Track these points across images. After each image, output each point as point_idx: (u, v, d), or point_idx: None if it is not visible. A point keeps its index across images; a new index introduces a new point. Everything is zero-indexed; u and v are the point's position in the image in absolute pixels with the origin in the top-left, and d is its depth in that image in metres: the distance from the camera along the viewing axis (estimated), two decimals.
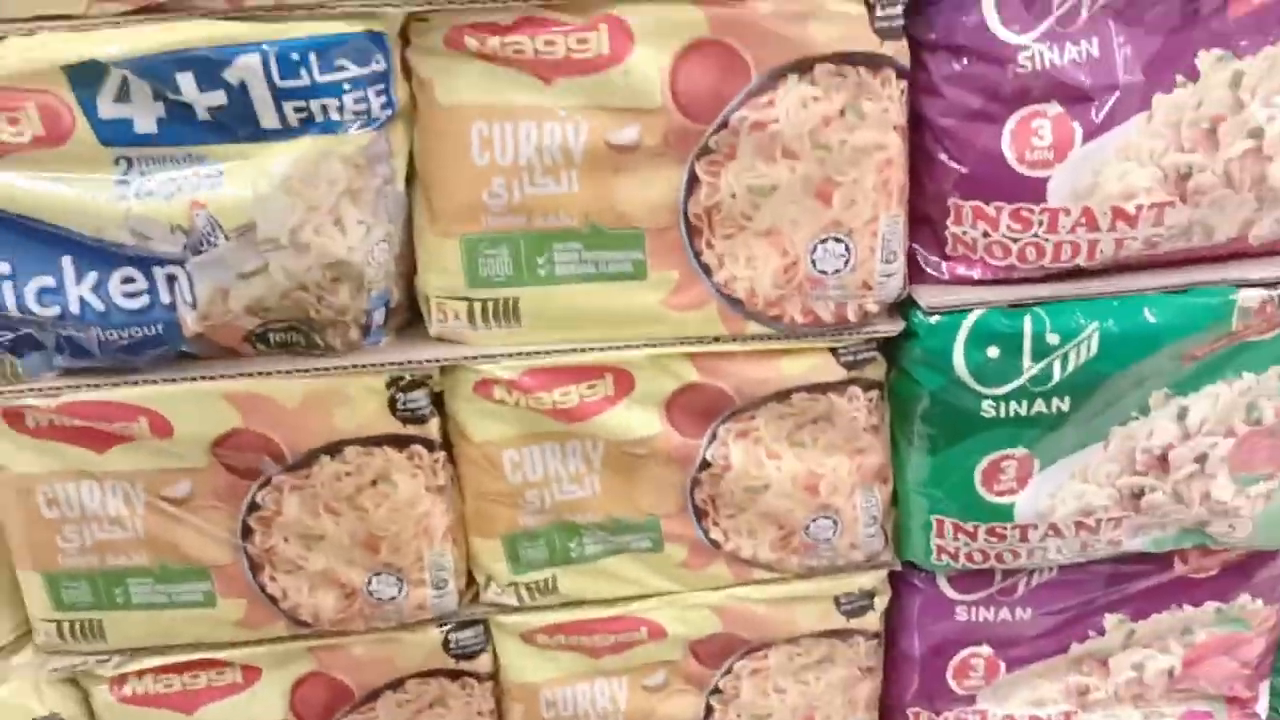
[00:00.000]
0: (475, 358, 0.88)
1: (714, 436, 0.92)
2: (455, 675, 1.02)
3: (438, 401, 0.90)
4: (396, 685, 1.01)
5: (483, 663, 1.03)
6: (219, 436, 0.87)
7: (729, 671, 1.04)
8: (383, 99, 0.78)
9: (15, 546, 0.93)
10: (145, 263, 0.79)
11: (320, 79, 0.75)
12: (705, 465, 0.93)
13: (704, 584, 1.00)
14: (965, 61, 0.81)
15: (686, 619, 1.01)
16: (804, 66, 0.78)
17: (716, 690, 1.05)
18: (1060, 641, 1.04)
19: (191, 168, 0.77)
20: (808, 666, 1.06)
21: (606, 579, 0.99)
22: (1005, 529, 0.96)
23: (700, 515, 0.97)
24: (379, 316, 0.87)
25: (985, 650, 1.05)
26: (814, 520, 0.97)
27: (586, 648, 1.02)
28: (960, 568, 1.00)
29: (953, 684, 1.06)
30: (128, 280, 0.80)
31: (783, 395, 0.91)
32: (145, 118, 0.75)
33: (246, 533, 0.92)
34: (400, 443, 0.90)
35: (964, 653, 1.05)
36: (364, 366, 0.86)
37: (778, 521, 0.97)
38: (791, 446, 0.94)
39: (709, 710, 1.06)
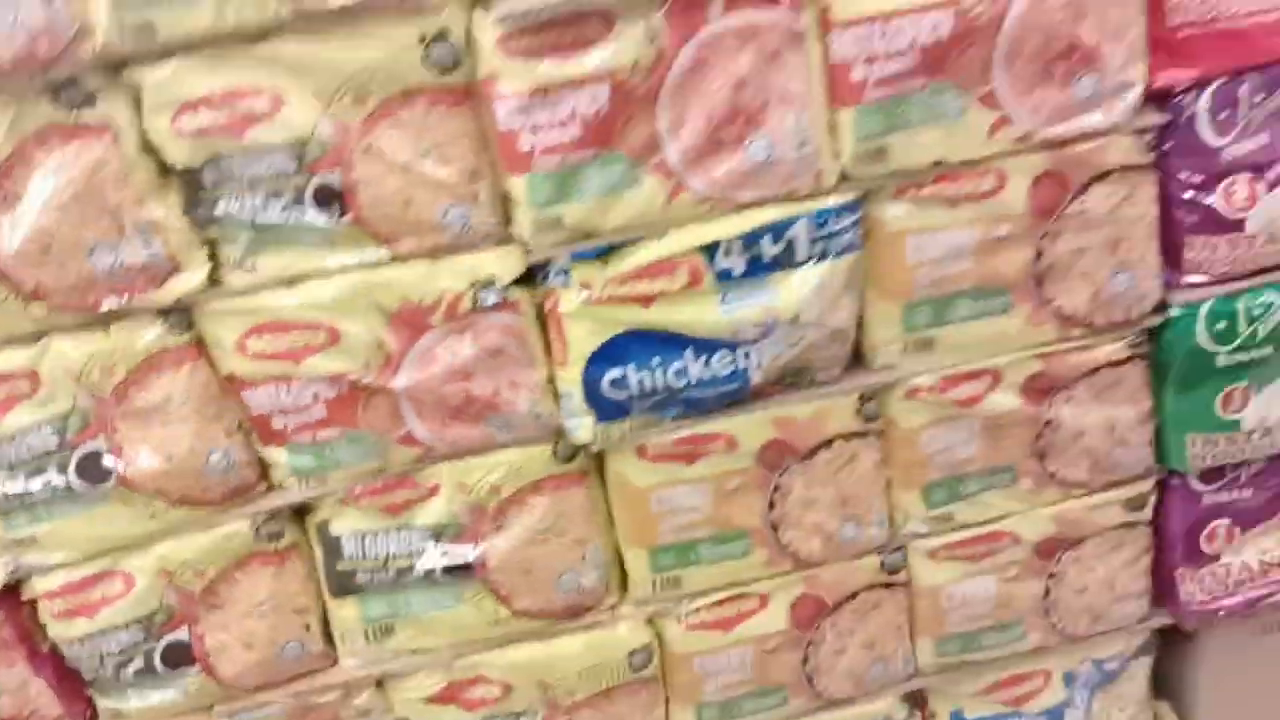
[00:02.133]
0: (908, 376, 1.49)
1: (1050, 405, 1.53)
2: (887, 586, 1.62)
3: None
4: (851, 597, 1.61)
5: (903, 576, 1.63)
6: (763, 445, 1.48)
7: (1059, 561, 1.65)
8: (858, 234, 1.40)
9: (626, 533, 1.54)
10: (734, 346, 1.41)
11: (835, 227, 1.37)
12: (1046, 423, 1.54)
13: (1042, 502, 1.61)
14: (1191, 159, 1.42)
15: (1034, 527, 1.61)
16: (1103, 176, 1.40)
17: (1051, 575, 1.65)
18: (1275, 507, 1.64)
19: (762, 289, 1.38)
20: (1105, 551, 1.66)
21: (983, 507, 1.59)
22: (1236, 436, 1.56)
23: (1040, 457, 1.57)
24: (847, 360, 1.49)
25: (1225, 521, 1.65)
26: (1112, 450, 1.57)
27: (970, 556, 1.62)
28: (1206, 467, 1.60)
29: (1204, 548, 1.66)
30: (723, 358, 1.41)
31: (1092, 372, 1.52)
32: (739, 264, 1.37)
33: (770, 505, 1.53)
34: (863, 435, 1.51)
35: (1210, 525, 1.65)
36: (845, 390, 1.48)
37: (1090, 455, 1.57)
38: (1096, 405, 1.55)
39: (1046, 592, 1.66)
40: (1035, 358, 1.47)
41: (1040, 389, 1.49)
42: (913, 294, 1.42)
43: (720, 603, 1.57)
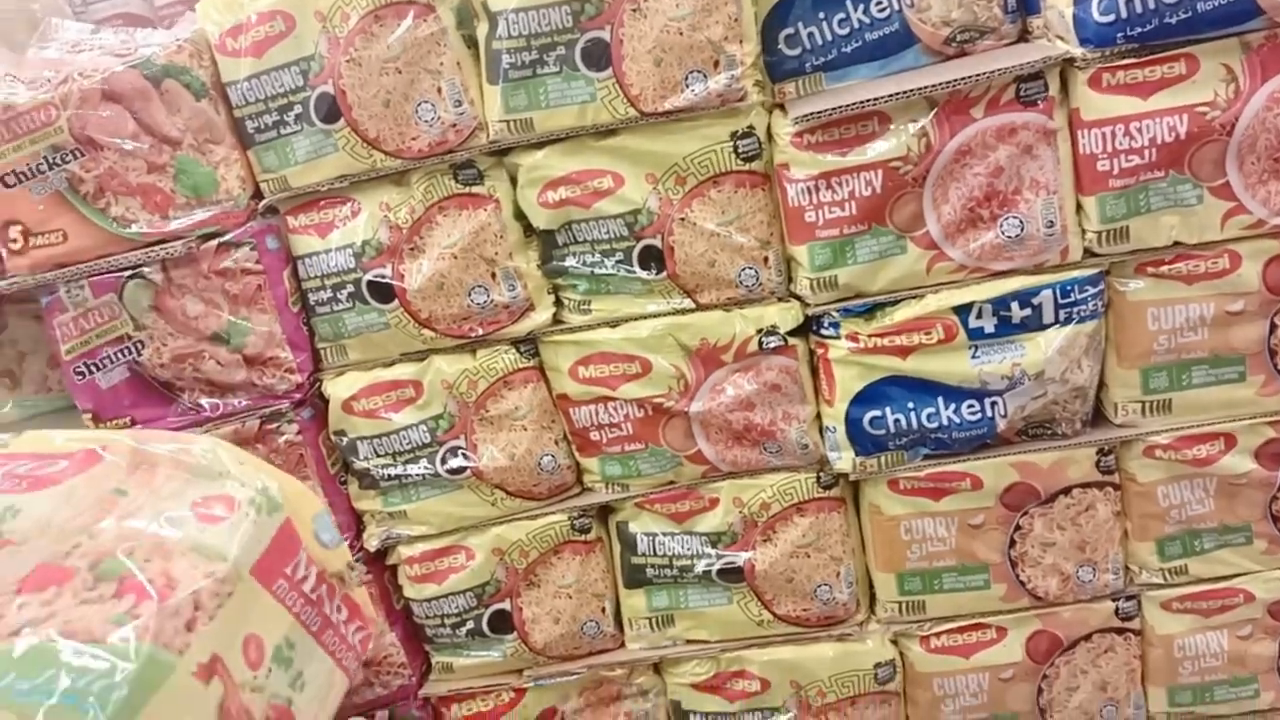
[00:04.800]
0: (1145, 434, 1.71)
1: None
2: (1120, 631, 1.82)
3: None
4: (1086, 638, 1.82)
5: (1136, 624, 1.82)
6: (1005, 487, 1.74)
7: None
8: (1102, 302, 1.65)
9: (877, 558, 1.82)
10: (981, 396, 1.68)
11: (1079, 296, 1.63)
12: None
13: (1277, 565, 1.76)
14: None
15: (1268, 587, 1.76)
16: None
17: None
18: None
19: (1010, 346, 1.66)
20: None
21: (1217, 564, 1.77)
22: None
23: (1275, 520, 1.74)
24: (1089, 416, 1.73)
25: None
26: None
27: (1203, 610, 1.79)
28: None
29: None
30: (971, 407, 1.69)
31: None
32: (989, 324, 1.65)
33: (1011, 544, 1.77)
34: (1100, 485, 1.73)
35: None
36: (1085, 443, 1.71)
37: None
38: None
39: None
40: (1268, 424, 1.66)
41: (1274, 454, 1.67)
42: (1151, 359, 1.65)
43: (960, 630, 1.81)
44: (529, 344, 1.77)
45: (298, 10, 1.62)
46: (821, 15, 1.62)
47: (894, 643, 1.84)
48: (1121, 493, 1.73)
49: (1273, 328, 1.61)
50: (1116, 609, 1.78)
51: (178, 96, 1.68)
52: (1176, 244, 1.58)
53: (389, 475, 1.82)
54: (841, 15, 1.62)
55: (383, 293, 1.73)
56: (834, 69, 1.64)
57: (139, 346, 1.75)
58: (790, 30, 1.62)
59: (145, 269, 1.71)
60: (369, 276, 1.73)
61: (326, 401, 1.81)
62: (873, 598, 1.85)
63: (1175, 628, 1.78)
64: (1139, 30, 1.46)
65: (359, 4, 1.60)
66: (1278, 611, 1.75)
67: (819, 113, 1.55)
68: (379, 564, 1.90)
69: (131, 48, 1.74)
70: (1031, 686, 1.81)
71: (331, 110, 1.65)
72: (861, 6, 1.61)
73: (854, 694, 1.83)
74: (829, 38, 1.62)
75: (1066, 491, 1.71)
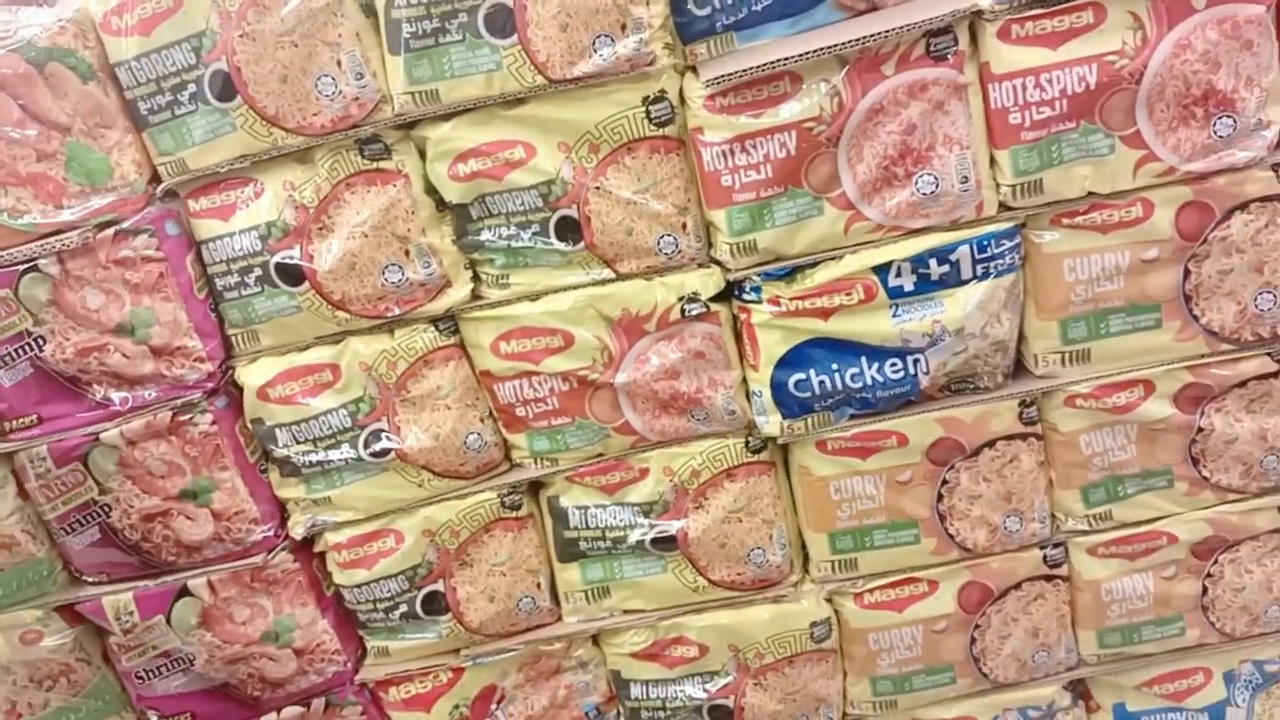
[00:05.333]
0: (1065, 384, 1.74)
1: (1202, 414, 1.74)
2: (1049, 579, 1.86)
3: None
4: (1016, 587, 1.86)
5: (1064, 570, 1.86)
6: (931, 443, 1.76)
7: (1216, 563, 1.83)
8: (1019, 255, 1.67)
9: (809, 519, 1.84)
10: (904, 354, 1.69)
11: (995, 250, 1.64)
12: (1199, 431, 1.75)
13: (1198, 505, 1.81)
14: None
15: (1190, 529, 1.81)
16: (1244, 205, 1.62)
17: (1209, 575, 1.84)
18: None
19: (930, 304, 1.67)
20: (1262, 554, 1.83)
21: (1141, 508, 1.81)
22: None
23: (1195, 462, 1.78)
24: (1010, 369, 1.75)
25: None
26: (1264, 458, 1.76)
27: (1128, 554, 1.84)
28: None
29: None
30: (894, 365, 1.70)
31: (1242, 384, 1.72)
32: (908, 282, 1.66)
33: (939, 498, 1.80)
34: (1024, 437, 1.76)
35: None
36: (1006, 395, 1.74)
37: (1243, 462, 1.77)
38: (1247, 414, 1.75)
39: (1204, 590, 1.85)
40: (1186, 369, 1.69)
41: (1192, 398, 1.71)
42: (1069, 309, 1.67)
43: (893, 585, 1.84)
44: (448, 321, 1.75)
45: None
46: None
47: (828, 601, 1.86)
48: (1044, 443, 1.76)
49: (1186, 274, 1.63)
50: (1044, 557, 1.82)
51: (64, 80, 1.62)
52: (1090, 194, 1.60)
53: (311, 462, 1.79)
54: None
55: (292, 275, 1.70)
56: (745, 28, 1.62)
57: (40, 342, 1.70)
58: None
59: (40, 262, 1.64)
60: (277, 259, 1.69)
61: (241, 389, 1.77)
62: (805, 558, 1.86)
63: (1102, 572, 1.82)
64: None
65: None
66: (1200, 551, 1.80)
67: (729, 75, 1.53)
68: (306, 551, 1.88)
69: (11, 29, 1.66)
70: (965, 636, 1.85)
71: (227, 88, 1.60)
72: None
73: (791, 654, 1.86)
74: None
75: (991, 444, 1.73)
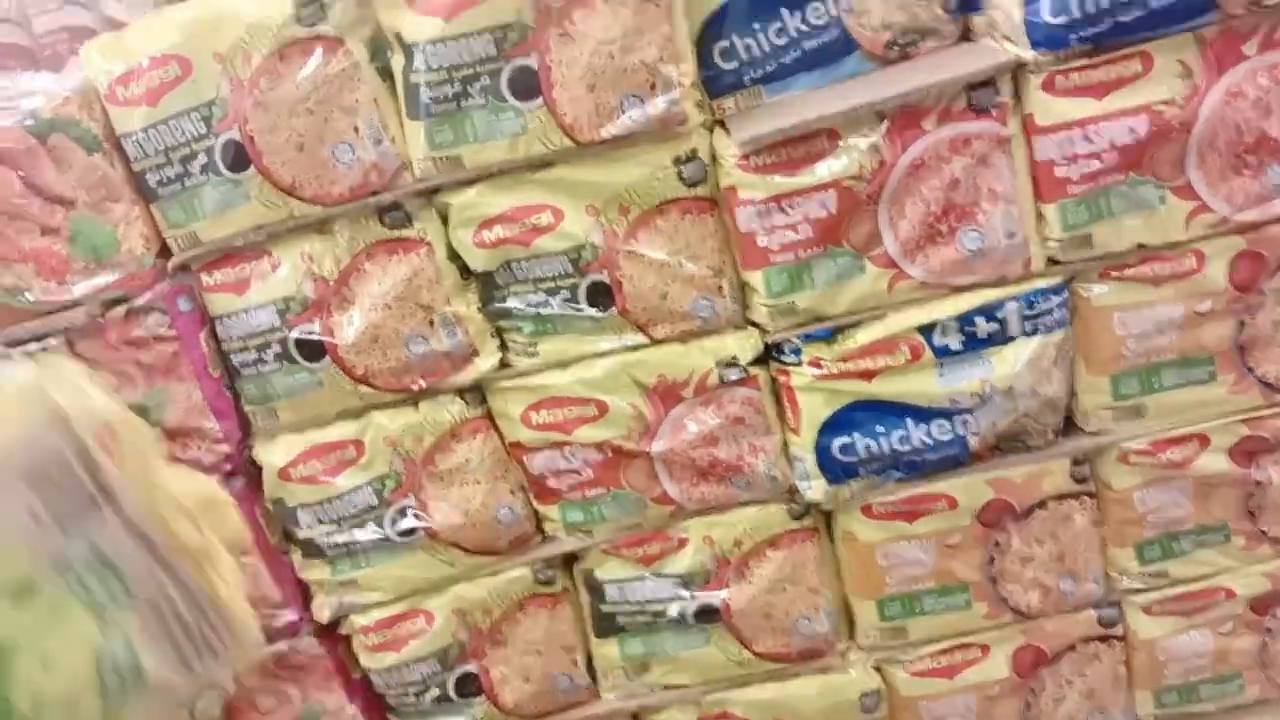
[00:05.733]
0: (1118, 440, 1.69)
1: (1259, 467, 1.69)
2: (1104, 639, 1.80)
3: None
4: (1071, 649, 1.80)
5: (1119, 630, 1.80)
6: (981, 505, 1.70)
7: (1275, 617, 1.78)
8: (1068, 311, 1.62)
9: (855, 585, 1.78)
10: (952, 415, 1.64)
11: (1044, 306, 1.59)
12: (1256, 484, 1.70)
13: (1256, 560, 1.75)
14: None
15: (1248, 583, 1.76)
16: None
17: (1268, 630, 1.79)
18: None
19: (978, 363, 1.62)
20: None
21: (1197, 564, 1.76)
22: None
23: (1252, 516, 1.73)
24: (1060, 426, 1.70)
25: None
26: None
27: (1185, 611, 1.78)
28: None
29: None
30: (941, 426, 1.65)
31: None
32: (955, 341, 1.61)
33: (990, 561, 1.74)
34: (1076, 495, 1.71)
35: None
36: (1058, 454, 1.68)
37: None
38: None
39: (1263, 646, 1.79)
40: (1241, 422, 1.64)
41: (1247, 452, 1.66)
42: (1121, 364, 1.62)
43: (944, 651, 1.78)
44: (475, 392, 1.69)
45: (194, 52, 1.51)
46: (757, 26, 1.55)
47: (878, 670, 1.81)
48: (1098, 500, 1.70)
49: (1240, 325, 1.58)
50: (1099, 617, 1.77)
51: (68, 152, 1.57)
52: (1140, 247, 1.54)
53: (335, 542, 1.73)
54: (778, 25, 1.56)
55: (312, 350, 1.64)
56: (773, 80, 1.58)
57: None
58: (725, 43, 1.56)
59: (49, 339, 1.58)
60: (296, 334, 1.63)
61: (259, 468, 1.70)
62: (852, 626, 1.80)
63: (1158, 631, 1.77)
64: (1093, 31, 1.42)
65: (261, 42, 1.49)
66: (1259, 606, 1.75)
67: (766, 135, 1.48)
68: (332, 635, 1.81)
69: (11, 97, 1.60)
70: (1019, 701, 1.80)
71: (240, 157, 1.55)
72: (799, 15, 1.56)
73: None
74: (766, 49, 1.57)
75: (1042, 504, 1.68)
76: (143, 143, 1.57)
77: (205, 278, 1.64)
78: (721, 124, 1.57)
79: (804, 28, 1.56)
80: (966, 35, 1.60)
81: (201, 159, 1.56)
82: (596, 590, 1.78)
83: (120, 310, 1.60)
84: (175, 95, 1.54)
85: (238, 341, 1.66)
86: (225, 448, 1.68)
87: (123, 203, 1.61)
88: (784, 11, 1.55)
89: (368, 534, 1.72)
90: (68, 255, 1.58)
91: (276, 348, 1.65)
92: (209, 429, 1.67)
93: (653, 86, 1.50)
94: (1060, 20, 1.42)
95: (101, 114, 1.57)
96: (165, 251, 1.65)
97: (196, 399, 1.66)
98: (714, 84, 1.58)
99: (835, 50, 1.57)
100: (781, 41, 1.57)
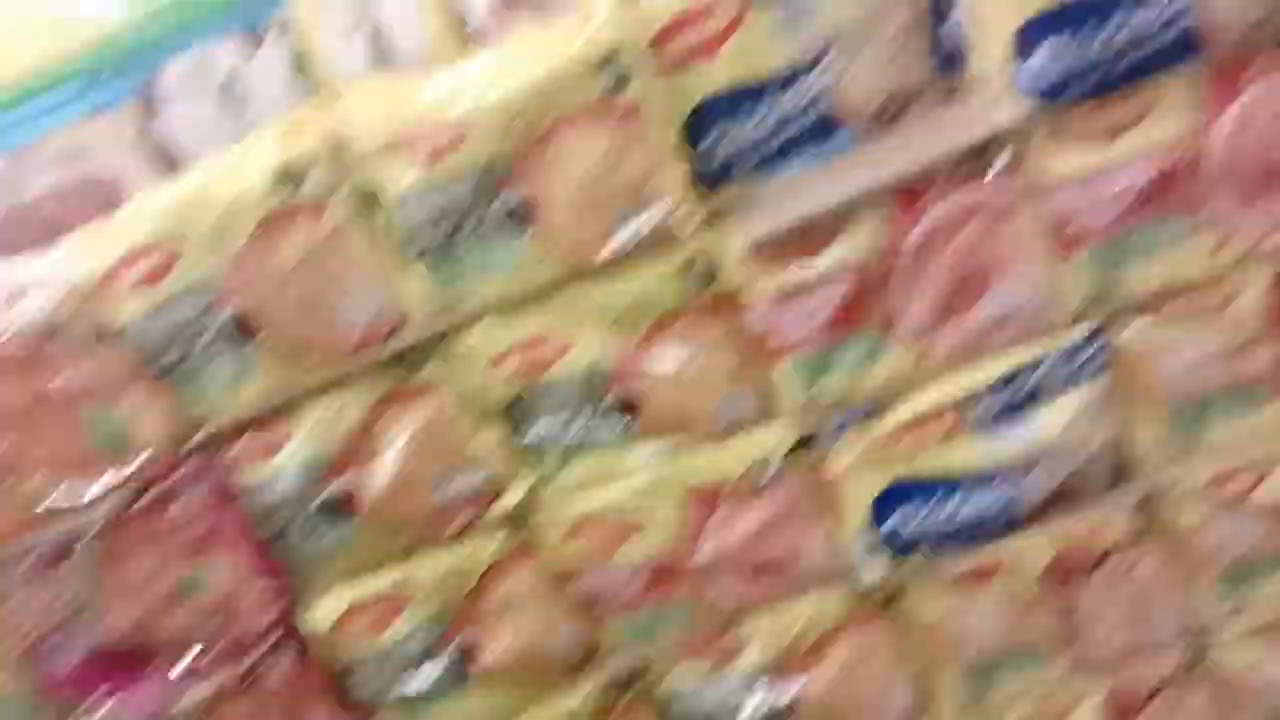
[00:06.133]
0: (1178, 479, 1.63)
1: None
2: (1189, 677, 1.74)
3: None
4: (1156, 693, 1.74)
5: (1204, 666, 1.75)
6: (1044, 564, 1.65)
7: None
8: (1103, 360, 1.56)
9: (927, 662, 1.73)
10: (1000, 480, 1.60)
11: (1079, 359, 1.54)
12: None
13: None
14: None
15: None
16: None
17: None
18: None
19: (1020, 425, 1.57)
20: None
21: (1277, 592, 1.70)
22: None
23: None
24: (1113, 475, 1.64)
25: None
26: None
27: (1273, 640, 1.72)
28: None
29: None
30: (991, 493, 1.61)
31: None
32: (994, 408, 1.56)
33: (1063, 617, 1.69)
34: (1140, 541, 1.65)
35: None
36: (1115, 503, 1.63)
37: None
38: None
39: None
40: None
41: None
42: (1167, 405, 1.57)
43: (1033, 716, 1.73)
44: (513, 524, 1.66)
45: (176, 238, 1.50)
46: (739, 119, 1.51)
47: None
48: (1163, 543, 1.65)
49: None
50: (1182, 658, 1.70)
51: (71, 350, 1.55)
52: (1169, 284, 1.49)
53: (392, 694, 1.70)
54: (763, 111, 1.51)
55: (343, 507, 1.61)
56: (764, 167, 1.54)
57: (91, 620, 1.62)
58: (710, 140, 1.52)
59: (77, 545, 1.58)
60: (324, 494, 1.61)
61: (305, 634, 1.69)
62: (928, 705, 1.76)
63: (1244, 662, 1.71)
64: (1087, 82, 1.37)
65: (242, 222, 1.47)
66: None
67: (771, 232, 1.45)
68: None
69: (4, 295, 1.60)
70: None
71: (242, 332, 1.54)
72: (778, 100, 1.50)
73: None
74: (752, 140, 1.52)
75: (1108, 554, 1.63)
76: (143, 330, 1.56)
77: (226, 452, 1.62)
78: (718, 220, 1.54)
79: (788, 110, 1.52)
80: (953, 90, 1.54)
81: (205, 337, 1.55)
82: (662, 703, 1.75)
83: (146, 500, 1.59)
84: (168, 281, 1.53)
85: (268, 508, 1.64)
86: (272, 614, 1.68)
87: (133, 391, 1.59)
88: (764, 99, 1.51)
89: (421, 681, 1.70)
90: (83, 451, 1.57)
91: (308, 509, 1.63)
92: (254, 597, 1.66)
93: (643, 200, 1.47)
94: (1052, 76, 1.39)
95: (100, 307, 1.56)
96: (183, 433, 1.63)
97: (238, 570, 1.65)
98: (705, 180, 1.54)
99: (823, 128, 1.53)
100: (767, 129, 1.53)
